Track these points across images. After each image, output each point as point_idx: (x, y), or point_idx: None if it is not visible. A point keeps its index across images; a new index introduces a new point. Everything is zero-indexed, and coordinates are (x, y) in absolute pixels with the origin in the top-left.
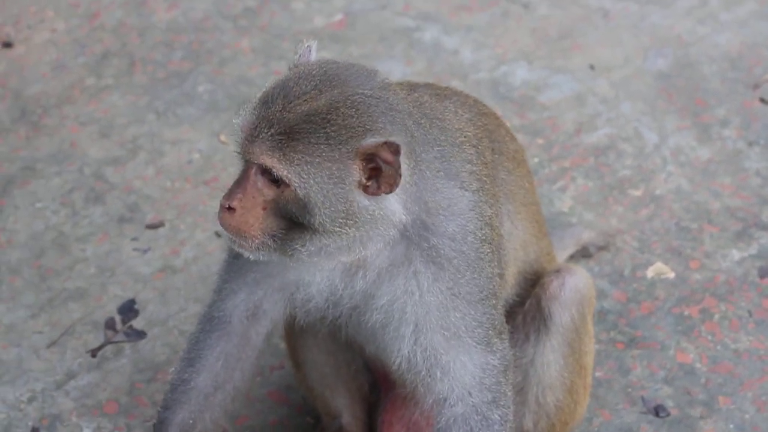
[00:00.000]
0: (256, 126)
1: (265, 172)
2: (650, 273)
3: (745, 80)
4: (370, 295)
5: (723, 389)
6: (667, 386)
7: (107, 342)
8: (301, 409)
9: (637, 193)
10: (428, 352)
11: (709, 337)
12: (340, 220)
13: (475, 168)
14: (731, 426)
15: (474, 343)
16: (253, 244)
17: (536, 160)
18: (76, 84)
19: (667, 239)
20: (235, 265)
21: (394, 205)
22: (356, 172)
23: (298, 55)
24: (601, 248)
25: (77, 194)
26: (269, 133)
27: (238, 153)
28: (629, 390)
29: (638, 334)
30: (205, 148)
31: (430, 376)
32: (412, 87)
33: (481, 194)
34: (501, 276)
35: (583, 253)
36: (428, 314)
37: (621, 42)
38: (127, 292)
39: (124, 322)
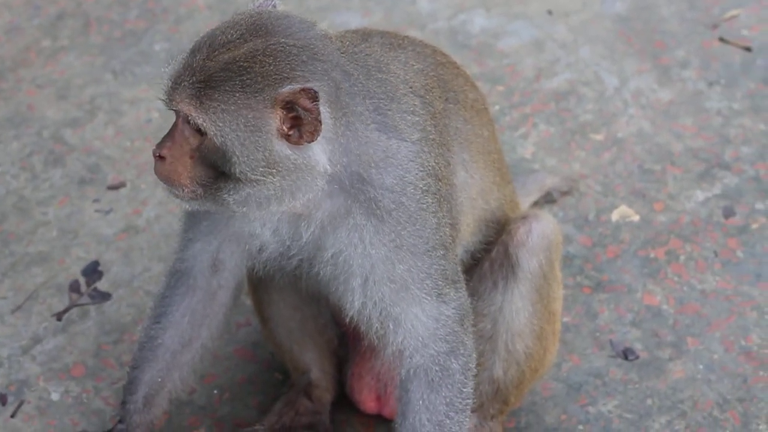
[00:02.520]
0: (180, 74)
1: (189, 120)
2: (615, 216)
3: (703, 21)
4: (318, 248)
5: (691, 330)
6: (635, 329)
7: (72, 305)
8: (269, 365)
9: (599, 137)
10: (378, 305)
11: (676, 279)
12: (261, 169)
13: (417, 118)
14: (700, 366)
15: (423, 295)
16: (184, 193)
17: (497, 107)
18: (31, 46)
19: (631, 182)
20: (191, 215)
21: (318, 155)
22: (275, 120)
23: (254, 5)
24: (564, 193)
25: (36, 157)
26: (190, 81)
27: (163, 101)
28: (597, 334)
29: (605, 277)
30: (164, 107)
31: (383, 328)
32: (366, 35)
33: (423, 144)
34: (453, 226)
35: (546, 199)
36: (374, 267)
37: None
38: (91, 254)
39: (88, 284)
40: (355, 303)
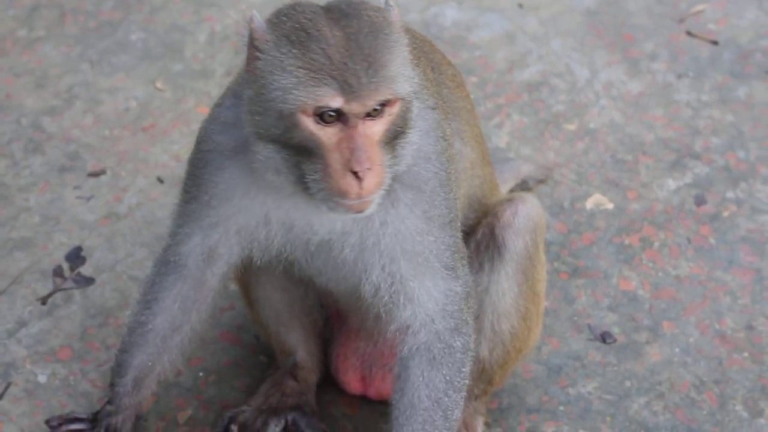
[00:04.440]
0: (358, 81)
1: (368, 114)
2: (589, 204)
3: (671, 15)
4: (346, 232)
5: (666, 314)
6: (612, 313)
7: (56, 289)
8: (254, 349)
9: (572, 127)
10: (396, 279)
11: (651, 265)
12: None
13: (424, 83)
14: (676, 350)
15: (441, 268)
16: (381, 190)
17: (471, 97)
18: (7, 36)
19: (604, 171)
20: (189, 209)
21: None
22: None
23: (253, 24)
24: (539, 181)
25: (16, 145)
26: (370, 76)
27: (345, 115)
28: (575, 318)
29: (581, 263)
30: (142, 96)
31: (393, 303)
32: None
33: (438, 110)
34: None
35: (522, 187)
36: (403, 242)
37: None
38: (73, 239)
39: (72, 269)
40: (371, 279)
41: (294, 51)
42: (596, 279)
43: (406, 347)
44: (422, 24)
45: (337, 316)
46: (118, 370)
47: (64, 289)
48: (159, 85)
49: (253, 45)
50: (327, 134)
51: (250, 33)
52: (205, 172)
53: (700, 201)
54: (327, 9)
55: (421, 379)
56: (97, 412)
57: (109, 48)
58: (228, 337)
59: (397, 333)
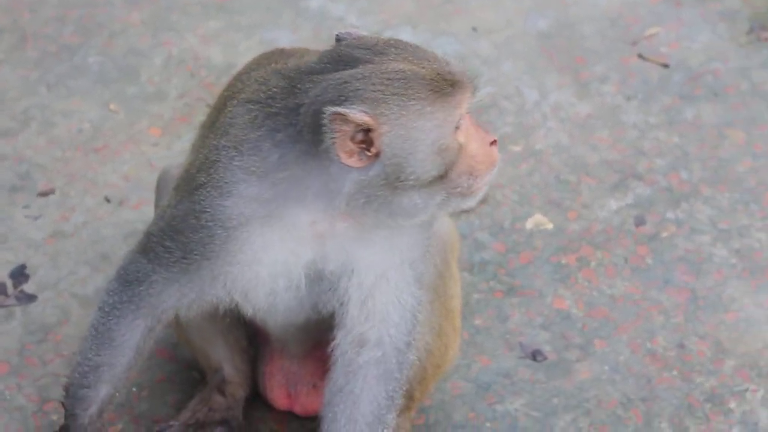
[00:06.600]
0: (462, 73)
1: None
2: (529, 224)
3: (623, 38)
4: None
5: (598, 333)
6: (545, 332)
7: None
8: (187, 365)
9: (517, 148)
10: (388, 294)
11: (586, 284)
12: None
13: None
14: (606, 368)
15: (419, 278)
16: None
17: None
18: None
19: (546, 192)
20: (189, 275)
21: None
22: None
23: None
24: (480, 202)
25: None
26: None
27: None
28: (508, 336)
29: (517, 282)
30: (96, 118)
31: (373, 319)
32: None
33: None
34: None
35: None
36: (411, 257)
37: (503, 5)
38: (19, 257)
39: (15, 286)
40: (365, 304)
41: (416, 95)
42: (531, 298)
43: (361, 359)
44: None
45: (261, 334)
46: (81, 403)
47: (6, 306)
48: (113, 107)
49: (365, 132)
50: (464, 132)
51: (341, 125)
52: (230, 246)
53: (639, 221)
54: (371, 57)
55: (366, 394)
56: None
57: (67, 72)
58: (164, 353)
59: (351, 346)
